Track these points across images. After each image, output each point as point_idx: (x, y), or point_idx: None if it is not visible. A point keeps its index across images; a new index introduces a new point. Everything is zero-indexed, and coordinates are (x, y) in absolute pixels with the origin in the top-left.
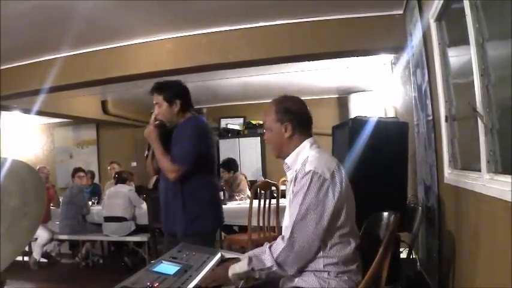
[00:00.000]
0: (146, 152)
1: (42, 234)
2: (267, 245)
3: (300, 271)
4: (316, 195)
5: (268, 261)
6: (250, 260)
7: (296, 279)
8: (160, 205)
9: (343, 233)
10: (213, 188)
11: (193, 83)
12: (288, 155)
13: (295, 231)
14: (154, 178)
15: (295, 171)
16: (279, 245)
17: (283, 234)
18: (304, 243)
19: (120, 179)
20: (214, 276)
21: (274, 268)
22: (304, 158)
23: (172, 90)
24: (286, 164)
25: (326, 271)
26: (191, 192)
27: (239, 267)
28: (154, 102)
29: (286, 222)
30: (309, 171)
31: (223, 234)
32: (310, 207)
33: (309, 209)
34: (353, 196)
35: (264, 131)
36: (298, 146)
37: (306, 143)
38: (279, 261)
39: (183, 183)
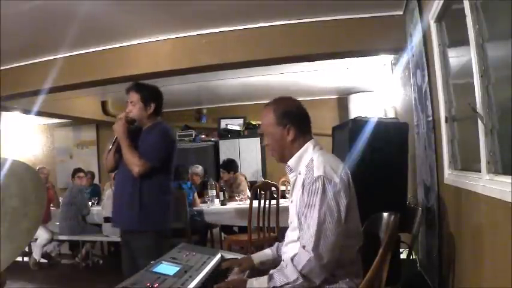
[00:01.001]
0: (110, 146)
1: (42, 234)
2: (288, 258)
3: None
4: (331, 201)
5: (293, 275)
6: (270, 277)
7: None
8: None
9: (348, 235)
10: (169, 191)
11: (193, 83)
12: (290, 158)
13: (317, 240)
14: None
15: (299, 173)
16: (303, 256)
17: (303, 245)
18: (329, 251)
19: None
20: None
21: (300, 281)
22: (308, 160)
23: (150, 92)
24: (289, 166)
25: (332, 275)
26: (149, 190)
27: (258, 283)
28: (129, 100)
29: (295, 229)
30: (319, 176)
31: (223, 234)
32: (328, 213)
33: (326, 216)
34: (356, 197)
35: (264, 137)
36: (300, 148)
37: (309, 145)
38: (303, 272)
39: (142, 180)
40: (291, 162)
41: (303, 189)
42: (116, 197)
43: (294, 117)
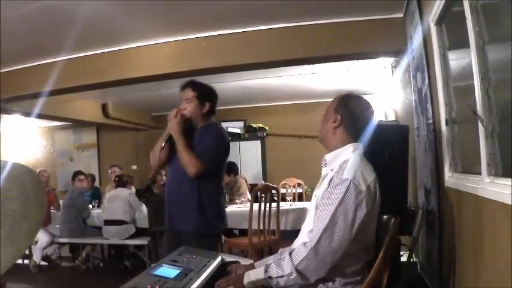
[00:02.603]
0: (162, 144)
1: (42, 237)
2: (287, 252)
3: None
4: (350, 206)
5: (288, 268)
6: (267, 267)
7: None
8: (165, 203)
9: (359, 247)
10: (222, 193)
11: None
12: (328, 148)
13: (321, 240)
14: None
15: (332, 170)
16: (301, 251)
17: (307, 240)
18: (330, 253)
19: (120, 182)
20: (228, 284)
21: (294, 275)
22: (345, 159)
23: (206, 90)
24: (325, 160)
25: (332, 280)
26: (207, 193)
27: (255, 274)
28: (184, 97)
29: (310, 226)
30: (346, 179)
31: (223, 237)
32: (341, 218)
33: (339, 220)
34: (378, 212)
35: None
36: (341, 145)
37: (350, 146)
38: (299, 268)
39: (199, 182)
40: (328, 156)
41: (328, 185)
42: (170, 198)
43: (348, 113)
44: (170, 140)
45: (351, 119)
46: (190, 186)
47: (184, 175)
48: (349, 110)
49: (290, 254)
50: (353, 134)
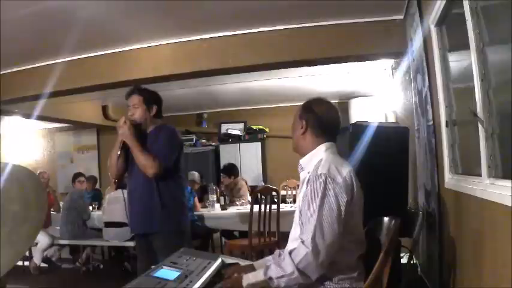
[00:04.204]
0: (118, 152)
1: (42, 239)
2: (286, 251)
3: None
4: (331, 197)
5: (289, 268)
6: (267, 268)
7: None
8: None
9: (349, 240)
10: (183, 188)
11: (193, 88)
12: (302, 154)
13: (316, 237)
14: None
15: (308, 173)
16: (301, 250)
17: (301, 239)
18: (326, 247)
19: (120, 184)
20: (227, 287)
21: (295, 275)
22: (318, 159)
23: (151, 94)
24: (300, 164)
25: (330, 279)
26: (167, 191)
27: (254, 276)
28: (131, 104)
29: (297, 226)
30: (321, 174)
31: (223, 239)
32: (327, 210)
33: (325, 213)
34: (362, 205)
35: None
36: (313, 148)
37: (321, 147)
38: (300, 267)
39: (158, 182)
40: (303, 161)
41: (307, 185)
42: (133, 202)
43: (312, 116)
44: (124, 147)
45: (316, 121)
46: (150, 187)
47: (143, 177)
48: (312, 113)
49: (290, 253)
50: (321, 134)
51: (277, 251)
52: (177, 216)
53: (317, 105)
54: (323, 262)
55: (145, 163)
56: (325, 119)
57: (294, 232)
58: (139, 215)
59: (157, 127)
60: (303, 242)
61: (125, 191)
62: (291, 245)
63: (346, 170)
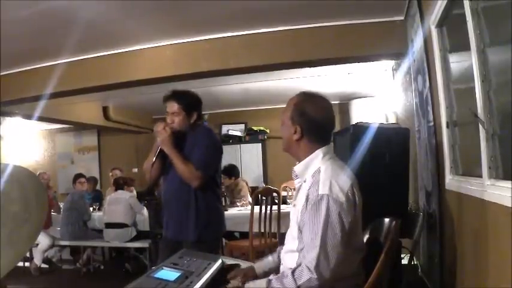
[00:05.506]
0: (154, 158)
1: (43, 240)
2: (289, 271)
3: None
4: (335, 221)
5: (291, 286)
6: (269, 282)
7: None
8: (163, 212)
9: (351, 250)
10: (219, 196)
11: (194, 89)
12: (296, 159)
13: (320, 263)
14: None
15: (305, 181)
16: (305, 274)
17: (306, 265)
18: (331, 270)
19: (119, 185)
20: None
21: None
22: (315, 168)
23: (191, 100)
24: (295, 171)
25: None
26: (204, 201)
27: (254, 285)
28: (169, 111)
29: (295, 239)
30: (323, 195)
31: (224, 240)
32: (331, 235)
33: (329, 238)
34: (361, 211)
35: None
36: (308, 154)
37: (319, 153)
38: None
39: (196, 192)
40: (298, 168)
41: (306, 202)
42: (169, 207)
43: (307, 121)
44: (161, 152)
45: (312, 126)
46: (187, 197)
47: (181, 183)
48: (307, 117)
49: (293, 272)
50: (318, 139)
51: (278, 249)
52: (213, 226)
53: (309, 105)
54: (326, 283)
55: (189, 175)
56: (320, 122)
57: (291, 244)
58: (175, 221)
59: (197, 128)
60: (307, 267)
61: (126, 192)
62: (289, 259)
63: (347, 185)
